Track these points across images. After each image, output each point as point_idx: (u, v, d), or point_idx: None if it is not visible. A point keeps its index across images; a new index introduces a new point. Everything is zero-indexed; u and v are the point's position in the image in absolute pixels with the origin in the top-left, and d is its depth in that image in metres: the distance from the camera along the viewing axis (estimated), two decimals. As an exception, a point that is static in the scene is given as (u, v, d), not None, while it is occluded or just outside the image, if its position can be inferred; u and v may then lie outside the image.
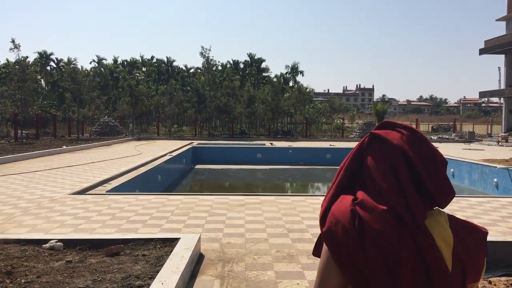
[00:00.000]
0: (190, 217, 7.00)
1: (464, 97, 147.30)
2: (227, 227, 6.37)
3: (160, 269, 3.97)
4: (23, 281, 3.72)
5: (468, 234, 1.30)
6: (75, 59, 32.33)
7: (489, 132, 38.57)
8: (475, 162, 16.70)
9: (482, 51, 34.80)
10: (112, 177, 11.33)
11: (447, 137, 35.09)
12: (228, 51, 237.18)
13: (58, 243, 4.81)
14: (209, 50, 37.31)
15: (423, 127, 48.00)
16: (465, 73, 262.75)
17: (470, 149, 23.68)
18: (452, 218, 1.33)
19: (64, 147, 21.26)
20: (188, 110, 38.08)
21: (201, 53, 37.27)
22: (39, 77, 70.38)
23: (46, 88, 69.49)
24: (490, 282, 4.30)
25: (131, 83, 38.36)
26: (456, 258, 1.25)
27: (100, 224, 6.44)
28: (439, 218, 1.30)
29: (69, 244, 4.87)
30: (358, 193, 1.31)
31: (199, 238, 5.16)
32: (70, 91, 31.70)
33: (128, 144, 26.03)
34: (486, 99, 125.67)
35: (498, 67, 54.41)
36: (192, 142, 28.18)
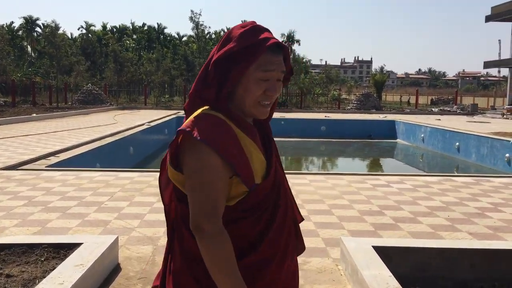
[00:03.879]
0: (132, 203, 5.29)
1: (463, 70, 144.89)
2: (175, 219, 4.67)
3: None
4: None
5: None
6: (53, 21, 30.00)
7: (492, 104, 36.88)
8: (484, 135, 15.02)
9: (488, 18, 32.68)
10: (66, 149, 9.58)
11: (448, 109, 33.38)
12: (222, 20, 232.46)
13: None
14: (199, 14, 35.10)
15: (422, 100, 46.22)
16: (464, 46, 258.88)
17: (474, 122, 22.04)
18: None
19: (34, 115, 19.42)
20: (177, 78, 36.01)
21: (191, 18, 35.02)
22: (25, 43, 67.81)
23: (33, 55, 66.92)
24: None
25: (116, 48, 36.07)
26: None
27: (1, 214, 4.72)
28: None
29: None
30: None
31: (116, 242, 3.46)
32: (48, 56, 29.62)
33: (108, 113, 24.19)
34: (485, 72, 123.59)
35: (499, 40, 52.46)
36: (178, 112, 26.37)
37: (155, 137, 17.18)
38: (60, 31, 31.87)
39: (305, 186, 6.40)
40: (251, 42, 1.31)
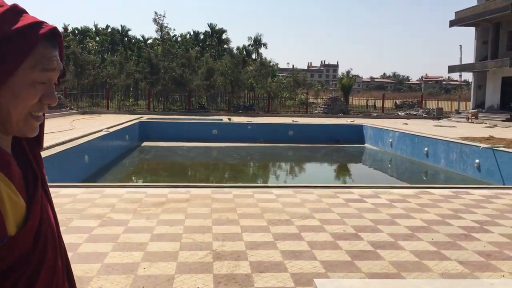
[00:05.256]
0: (68, 229, 4.48)
1: (426, 74, 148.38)
2: (115, 251, 3.91)
3: None
4: None
5: None
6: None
7: (456, 108, 37.42)
8: (453, 140, 14.81)
9: (452, 23, 33.07)
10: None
11: (414, 113, 33.60)
12: (188, 23, 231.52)
13: None
14: (164, 16, 34.05)
15: (388, 103, 46.69)
16: (427, 51, 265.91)
17: (441, 126, 22.03)
18: None
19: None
20: (140, 82, 34.92)
21: (155, 20, 33.98)
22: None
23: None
24: None
25: (76, 50, 34.69)
26: None
27: None
28: None
29: None
30: None
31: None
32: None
33: (66, 118, 22.96)
34: (447, 76, 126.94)
35: (460, 45, 53.79)
36: (141, 117, 25.41)
37: (114, 144, 16.22)
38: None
39: (271, 203, 5.73)
40: (16, 28, 0.91)
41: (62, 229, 3.94)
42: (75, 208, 5.25)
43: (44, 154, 9.79)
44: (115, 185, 6.65)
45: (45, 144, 11.13)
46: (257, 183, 12.49)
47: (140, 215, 5.02)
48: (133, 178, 14.07)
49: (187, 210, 5.28)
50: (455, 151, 14.44)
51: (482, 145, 13.09)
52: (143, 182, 13.42)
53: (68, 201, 5.56)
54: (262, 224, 4.76)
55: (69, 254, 3.48)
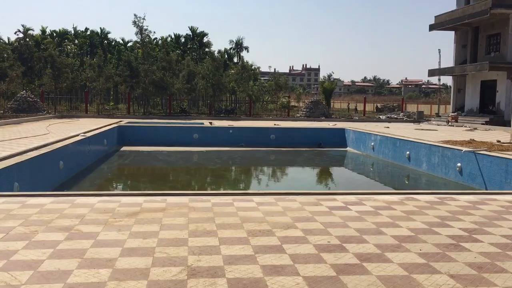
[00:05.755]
0: (31, 244, 4.13)
1: (406, 78, 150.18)
2: (81, 269, 3.59)
3: None
4: None
5: None
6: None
7: (437, 112, 37.77)
8: (435, 144, 14.77)
9: (432, 27, 33.36)
10: (-26, 167, 8.17)
11: (395, 116, 33.77)
12: (169, 26, 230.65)
13: None
14: (143, 19, 33.55)
15: (369, 107, 46.97)
16: (407, 55, 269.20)
17: (422, 129, 22.10)
18: None
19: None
20: (120, 85, 34.30)
21: (134, 22, 33.42)
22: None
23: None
24: None
25: (53, 53, 33.94)
26: None
27: None
28: None
29: None
30: None
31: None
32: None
33: (43, 122, 22.35)
34: (426, 80, 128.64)
35: (439, 49, 54.28)
36: (121, 121, 24.90)
37: (91, 149, 15.76)
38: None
39: (252, 211, 5.47)
40: None
41: (25, 243, 3.60)
42: (42, 219, 4.88)
43: (15, 160, 9.37)
44: (87, 194, 6.29)
45: (18, 150, 10.69)
46: (238, 189, 12.18)
47: (112, 227, 4.70)
48: (109, 185, 13.66)
49: (163, 221, 4.98)
50: (437, 155, 14.40)
51: (464, 149, 13.06)
52: (118, 189, 13.02)
53: (35, 211, 5.19)
54: (241, 235, 4.49)
55: (29, 273, 3.18)
